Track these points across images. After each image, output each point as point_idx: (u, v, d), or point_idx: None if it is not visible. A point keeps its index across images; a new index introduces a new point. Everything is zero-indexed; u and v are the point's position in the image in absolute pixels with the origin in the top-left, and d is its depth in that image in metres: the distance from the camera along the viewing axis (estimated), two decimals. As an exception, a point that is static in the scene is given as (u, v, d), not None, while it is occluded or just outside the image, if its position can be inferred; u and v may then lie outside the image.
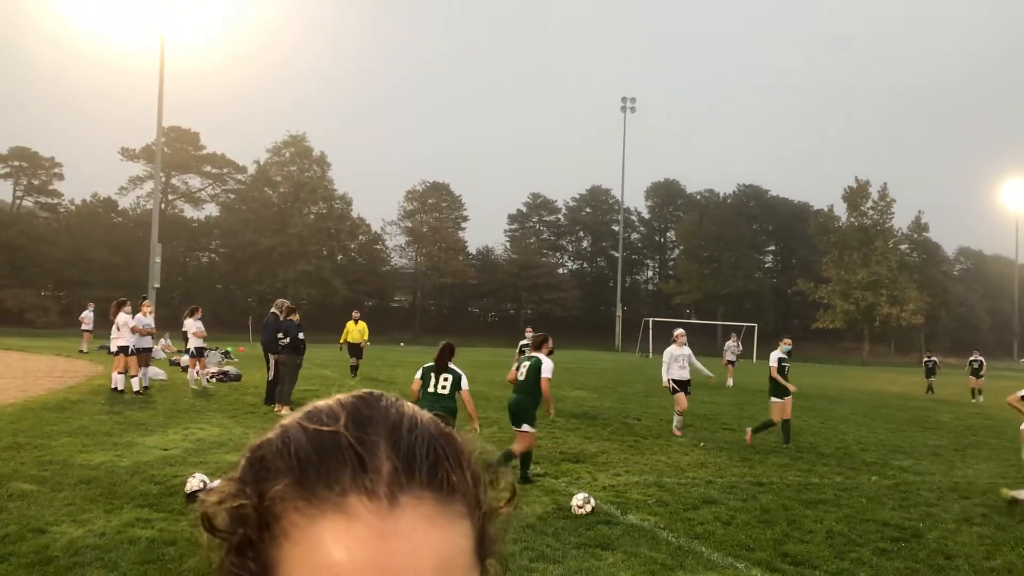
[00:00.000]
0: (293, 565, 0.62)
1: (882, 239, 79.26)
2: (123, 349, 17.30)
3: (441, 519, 0.64)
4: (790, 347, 15.09)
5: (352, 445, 0.64)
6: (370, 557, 0.60)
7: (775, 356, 14.55)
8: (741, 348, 30.14)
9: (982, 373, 28.88)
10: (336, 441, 0.65)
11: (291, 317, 16.23)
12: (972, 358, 29.90)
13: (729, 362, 30.01)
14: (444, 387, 9.49)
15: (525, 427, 9.95)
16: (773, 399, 14.22)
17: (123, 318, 17.52)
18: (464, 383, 9.57)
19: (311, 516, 0.62)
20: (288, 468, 0.65)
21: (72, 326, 62.92)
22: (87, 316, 34.52)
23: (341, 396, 0.71)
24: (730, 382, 28.39)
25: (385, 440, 0.66)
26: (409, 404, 0.72)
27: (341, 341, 24.85)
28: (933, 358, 33.63)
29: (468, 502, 0.67)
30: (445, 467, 0.66)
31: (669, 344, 15.69)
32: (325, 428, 0.66)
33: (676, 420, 15.04)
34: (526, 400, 10.03)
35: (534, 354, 10.27)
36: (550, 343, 10.45)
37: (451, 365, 9.72)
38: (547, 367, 9.99)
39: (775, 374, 14.31)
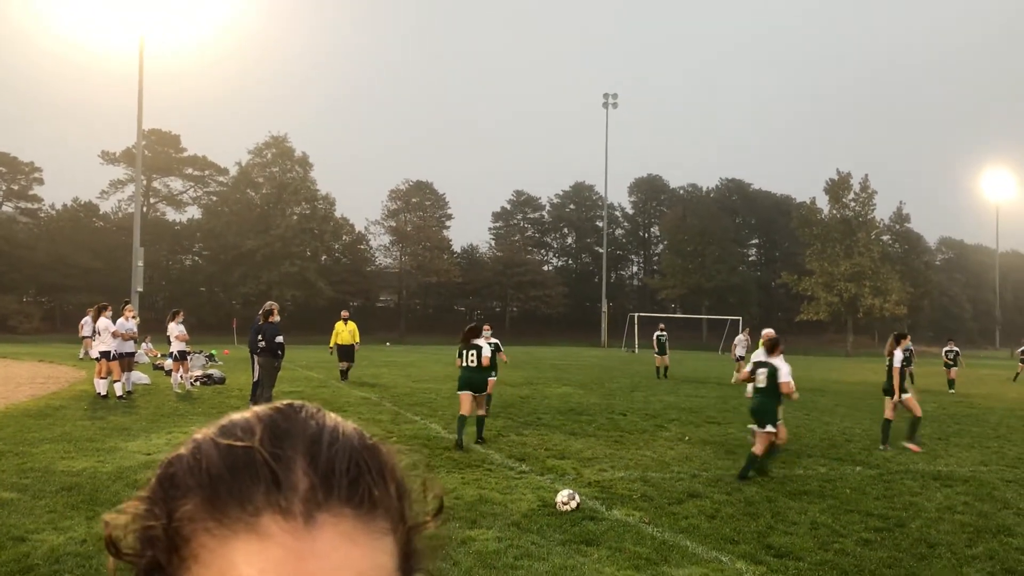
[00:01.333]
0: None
1: (864, 231, 79.65)
2: (105, 354, 17.20)
3: (361, 536, 0.60)
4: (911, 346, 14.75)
5: (267, 461, 0.61)
6: None
7: (899, 356, 13.68)
8: (750, 342, 28.92)
9: (957, 364, 27.95)
10: (250, 457, 0.61)
11: (271, 319, 16.13)
12: (947, 348, 28.69)
13: (740, 358, 27.95)
14: (472, 360, 12.42)
15: (768, 428, 10.46)
16: (889, 398, 13.68)
17: (104, 323, 17.42)
18: (486, 351, 12.53)
19: (222, 537, 0.59)
20: (199, 486, 0.61)
21: (55, 332, 62.55)
22: (87, 322, 34.29)
23: (259, 408, 0.68)
24: (736, 377, 27.78)
25: (303, 455, 0.62)
26: (332, 415, 0.68)
27: (331, 344, 23.39)
28: (910, 348, 33.38)
29: (391, 517, 0.64)
30: (367, 481, 0.63)
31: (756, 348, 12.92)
32: (239, 443, 0.63)
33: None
34: (768, 403, 10.64)
35: (770, 360, 10.77)
36: (781, 346, 11.05)
37: (475, 341, 12.59)
38: (784, 372, 10.57)
39: (898, 375, 13.56)
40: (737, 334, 29.75)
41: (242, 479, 0.60)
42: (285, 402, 0.69)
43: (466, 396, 12.20)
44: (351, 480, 0.62)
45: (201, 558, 0.59)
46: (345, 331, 22.95)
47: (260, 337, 15.87)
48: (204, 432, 0.66)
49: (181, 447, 0.66)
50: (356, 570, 0.59)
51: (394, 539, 0.63)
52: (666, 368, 28.68)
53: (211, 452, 0.63)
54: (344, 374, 23.22)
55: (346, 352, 23.01)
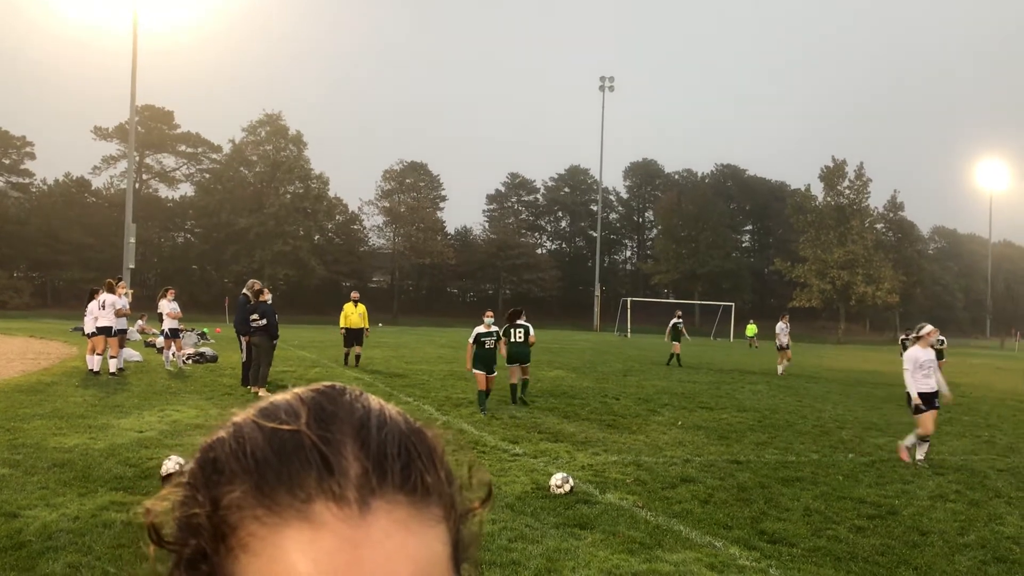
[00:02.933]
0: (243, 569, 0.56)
1: (858, 218, 79.83)
2: (104, 330, 17.11)
3: (416, 524, 0.57)
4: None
5: (316, 445, 0.57)
6: (339, 569, 0.54)
7: (923, 355, 11.51)
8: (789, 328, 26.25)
9: (943, 356, 23.12)
10: (297, 441, 0.58)
11: (263, 298, 16.05)
12: (904, 337, 24.18)
13: (785, 346, 25.72)
14: (519, 336, 14.71)
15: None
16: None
17: (110, 298, 17.35)
18: (531, 330, 14.98)
19: (272, 526, 0.55)
20: (244, 471, 0.57)
21: (46, 307, 62.38)
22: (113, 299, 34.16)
23: (299, 390, 0.63)
24: (781, 370, 25.33)
25: (352, 439, 0.58)
26: (375, 398, 0.65)
27: (341, 327, 21.51)
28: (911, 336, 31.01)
29: (444, 504, 0.61)
30: (418, 467, 0.60)
31: (915, 344, 11.75)
32: (284, 427, 0.59)
33: (910, 441, 11.17)
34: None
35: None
36: None
37: (520, 321, 14.84)
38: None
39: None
40: (769, 321, 28.40)
41: (291, 464, 0.56)
42: (326, 384, 0.65)
43: (489, 378, 13.86)
44: (403, 465, 0.59)
45: (251, 547, 0.55)
46: (355, 314, 21.23)
47: (259, 316, 15.74)
48: (244, 415, 0.62)
49: (220, 430, 0.62)
50: (412, 559, 0.56)
51: (447, 527, 0.60)
52: (679, 356, 27.50)
53: (255, 436, 0.59)
54: (351, 359, 21.49)
55: (355, 336, 21.33)
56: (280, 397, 0.64)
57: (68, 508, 7.02)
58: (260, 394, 14.83)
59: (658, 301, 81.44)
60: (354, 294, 22.07)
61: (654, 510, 7.91)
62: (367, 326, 21.77)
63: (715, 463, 10.40)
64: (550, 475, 8.64)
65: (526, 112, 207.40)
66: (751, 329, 48.78)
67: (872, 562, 6.67)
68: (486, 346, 13.74)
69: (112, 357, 17.19)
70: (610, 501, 8.14)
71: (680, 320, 28.29)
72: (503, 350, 14.26)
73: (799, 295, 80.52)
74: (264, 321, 15.66)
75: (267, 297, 16.07)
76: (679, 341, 27.71)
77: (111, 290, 17.66)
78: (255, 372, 15.50)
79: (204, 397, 14.45)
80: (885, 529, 7.63)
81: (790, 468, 10.27)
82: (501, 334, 14.36)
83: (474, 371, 13.73)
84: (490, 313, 14.39)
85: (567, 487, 8.26)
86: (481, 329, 13.92)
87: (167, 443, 10.01)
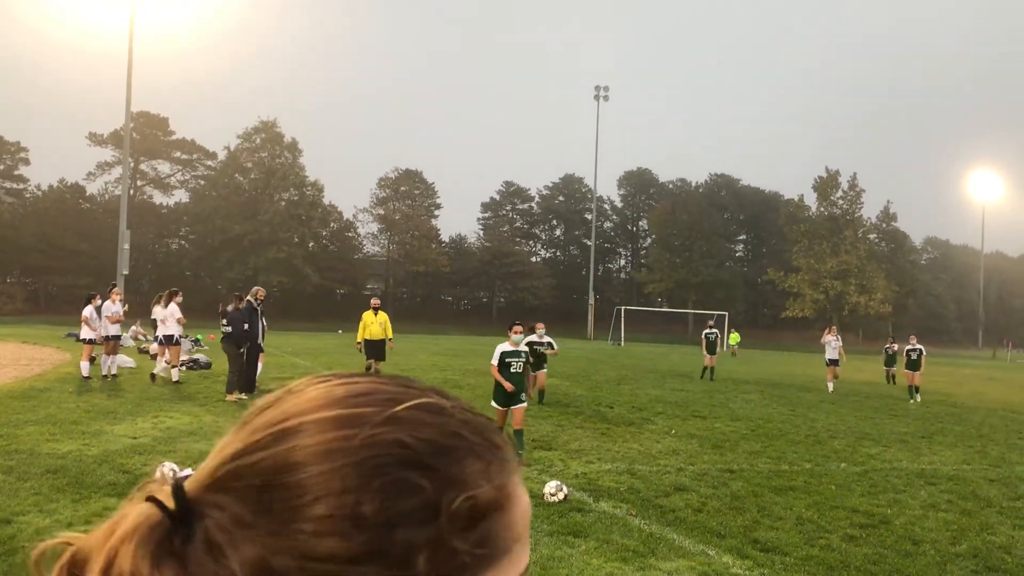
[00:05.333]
0: (515, 519, 0.61)
1: (851, 229, 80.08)
2: (168, 339, 17.63)
3: None
4: None
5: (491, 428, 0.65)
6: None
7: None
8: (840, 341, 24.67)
9: (921, 366, 22.34)
10: (481, 423, 0.64)
11: (241, 306, 16.16)
12: (909, 347, 22.94)
13: (834, 361, 24.09)
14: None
15: None
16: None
17: (172, 308, 17.69)
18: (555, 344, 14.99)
19: (517, 481, 0.63)
20: (486, 449, 0.62)
21: (39, 313, 62.15)
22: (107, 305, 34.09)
23: (418, 385, 0.65)
24: (831, 386, 23.67)
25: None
26: None
27: (359, 339, 19.01)
28: (895, 346, 29.12)
29: None
30: None
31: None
32: (472, 414, 0.64)
33: None
34: None
35: None
36: None
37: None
38: None
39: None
40: (761, 330, 27.89)
41: (494, 438, 0.64)
42: (429, 389, 0.66)
43: (514, 410, 11.13)
44: None
45: (514, 497, 0.62)
46: (375, 323, 18.64)
47: (226, 323, 15.94)
48: (415, 406, 0.61)
49: (428, 421, 0.61)
50: None
51: None
52: (712, 369, 26.12)
53: (465, 419, 0.63)
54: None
55: (376, 349, 18.58)
56: (431, 399, 0.63)
57: (62, 514, 7.02)
58: (228, 399, 14.89)
59: (652, 310, 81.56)
60: (374, 301, 19.34)
61: (648, 518, 7.93)
62: (390, 336, 18.90)
63: (708, 472, 10.42)
64: (544, 483, 8.65)
65: (521, 120, 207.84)
66: (734, 338, 49.09)
67: (865, 571, 6.70)
68: (511, 369, 10.66)
69: (173, 366, 17.56)
70: (604, 509, 8.16)
71: (713, 331, 26.75)
72: (539, 380, 11.70)
73: (792, 305, 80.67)
74: (230, 328, 15.75)
75: (242, 305, 16.15)
76: (714, 353, 26.25)
77: (171, 299, 17.85)
78: (228, 379, 15.59)
79: (197, 404, 14.44)
80: (877, 538, 7.66)
81: (783, 477, 10.30)
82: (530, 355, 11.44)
83: (492, 404, 10.76)
84: (518, 328, 11.17)
85: (561, 495, 8.28)
86: (507, 348, 10.78)
87: (161, 449, 10.01)
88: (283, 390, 0.64)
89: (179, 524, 0.55)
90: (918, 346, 22.63)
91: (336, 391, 0.61)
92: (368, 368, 17.77)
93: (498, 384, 10.57)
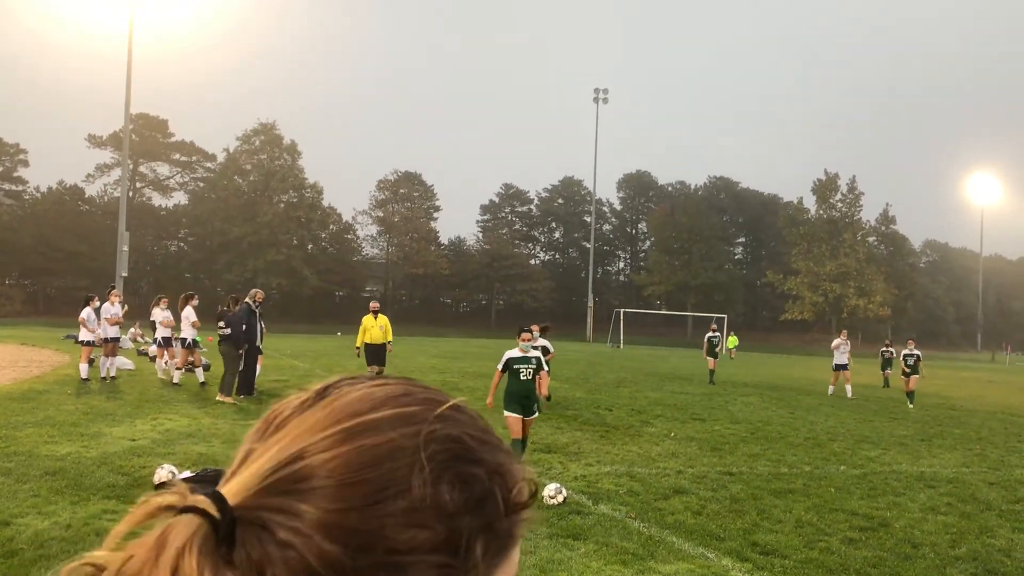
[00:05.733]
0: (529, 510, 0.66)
1: (850, 231, 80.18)
2: (182, 341, 18.19)
3: None
4: None
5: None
6: None
7: None
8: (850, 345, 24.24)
9: (917, 371, 21.95)
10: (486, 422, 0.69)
11: (236, 308, 16.19)
12: (905, 352, 22.54)
13: (843, 366, 23.67)
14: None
15: None
16: None
17: (188, 312, 17.92)
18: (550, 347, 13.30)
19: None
20: (503, 443, 0.67)
21: (37, 315, 62.08)
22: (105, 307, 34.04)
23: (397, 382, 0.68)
24: (849, 391, 22.90)
25: None
26: None
27: (358, 344, 18.31)
28: (891, 349, 28.89)
29: None
30: None
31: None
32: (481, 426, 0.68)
33: None
34: None
35: None
36: None
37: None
38: None
39: None
40: (760, 333, 27.31)
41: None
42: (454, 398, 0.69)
43: (526, 421, 10.35)
44: None
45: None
46: (375, 327, 17.97)
47: (224, 324, 15.98)
48: (451, 407, 0.66)
49: (465, 423, 0.66)
50: None
51: None
52: (712, 372, 25.97)
53: (481, 427, 0.67)
54: None
55: (376, 354, 17.93)
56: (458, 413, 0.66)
57: (60, 516, 7.00)
58: (219, 399, 14.90)
59: (651, 312, 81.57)
60: (373, 304, 18.62)
61: (647, 521, 7.93)
62: (390, 340, 18.30)
63: (708, 474, 10.41)
64: (543, 486, 8.65)
65: (520, 123, 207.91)
66: (732, 341, 49.15)
67: (864, 574, 6.69)
68: (521, 376, 9.83)
69: (186, 368, 17.87)
70: (603, 512, 8.15)
71: (715, 334, 26.54)
72: (542, 387, 10.20)
73: (791, 307, 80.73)
74: (229, 330, 15.77)
75: (243, 306, 16.17)
76: (715, 356, 26.07)
77: (187, 303, 18.07)
78: (223, 379, 15.60)
79: (197, 406, 14.42)
80: (877, 541, 7.65)
81: (782, 480, 10.30)
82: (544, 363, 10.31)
83: (506, 413, 9.76)
84: (527, 336, 10.20)
85: (560, 498, 8.27)
86: (515, 353, 9.97)
87: (159, 451, 9.99)
88: (311, 393, 0.65)
89: (225, 534, 0.55)
90: (915, 352, 22.34)
91: (376, 392, 0.64)
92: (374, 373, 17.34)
93: (507, 390, 9.85)
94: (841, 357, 23.69)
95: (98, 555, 0.58)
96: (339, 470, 0.57)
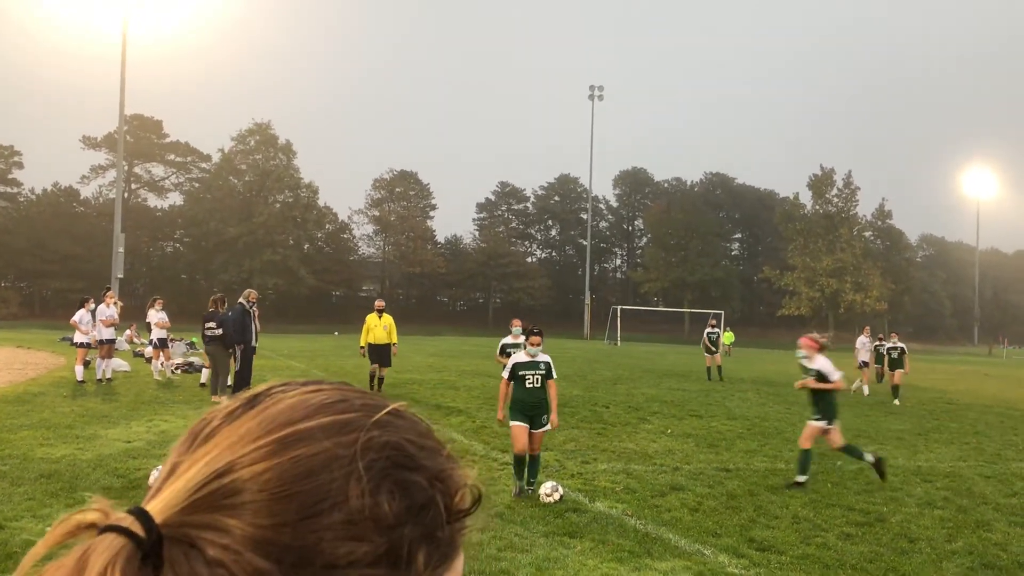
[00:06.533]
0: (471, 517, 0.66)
1: (847, 226, 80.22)
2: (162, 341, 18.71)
3: None
4: None
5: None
6: None
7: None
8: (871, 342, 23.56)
9: (904, 364, 21.19)
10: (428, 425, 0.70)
11: (222, 308, 16.16)
12: (890, 345, 21.91)
13: (866, 363, 22.99)
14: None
15: None
16: None
17: (104, 311, 17.59)
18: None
19: None
20: (445, 447, 0.67)
21: (33, 317, 61.99)
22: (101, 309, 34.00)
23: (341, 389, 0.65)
24: (866, 390, 22.13)
25: None
26: None
27: (362, 343, 17.43)
28: (885, 344, 25.77)
29: None
30: None
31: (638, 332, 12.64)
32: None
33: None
34: None
35: None
36: None
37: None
38: None
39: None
40: (757, 328, 26.35)
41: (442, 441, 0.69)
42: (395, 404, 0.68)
43: (534, 434, 9.46)
44: None
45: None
46: (379, 327, 17.04)
47: (215, 325, 15.97)
48: (389, 412, 0.64)
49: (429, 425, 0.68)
50: None
51: None
52: (719, 368, 25.57)
53: (422, 421, 0.68)
54: (379, 383, 17.07)
55: (380, 354, 17.05)
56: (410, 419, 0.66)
57: (55, 519, 6.95)
58: (214, 400, 14.89)
59: (648, 309, 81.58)
60: (378, 303, 17.67)
61: (643, 518, 7.92)
62: (395, 341, 17.43)
63: (704, 471, 10.41)
64: (540, 483, 8.64)
65: (516, 121, 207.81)
66: (728, 337, 49.19)
67: (861, 569, 6.69)
68: (527, 384, 8.90)
69: (182, 369, 18.27)
70: (600, 509, 8.14)
71: (715, 330, 26.18)
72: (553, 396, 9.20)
73: (788, 303, 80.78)
74: (220, 331, 15.75)
75: (237, 306, 16.14)
76: (716, 353, 25.76)
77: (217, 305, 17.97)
78: (214, 380, 15.59)
79: (192, 407, 14.39)
80: (873, 536, 7.65)
81: (779, 476, 10.29)
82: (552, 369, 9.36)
83: (511, 423, 8.83)
84: (536, 339, 9.23)
85: (557, 495, 8.26)
86: (521, 358, 9.06)
87: (155, 453, 9.97)
88: (241, 401, 0.62)
89: (150, 553, 0.52)
90: (900, 344, 21.69)
91: (311, 399, 0.61)
92: (372, 374, 17.05)
93: (513, 398, 8.87)
94: (866, 354, 23.09)
95: None
96: (271, 483, 0.54)
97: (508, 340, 10.59)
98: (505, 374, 9.04)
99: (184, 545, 0.53)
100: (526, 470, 8.68)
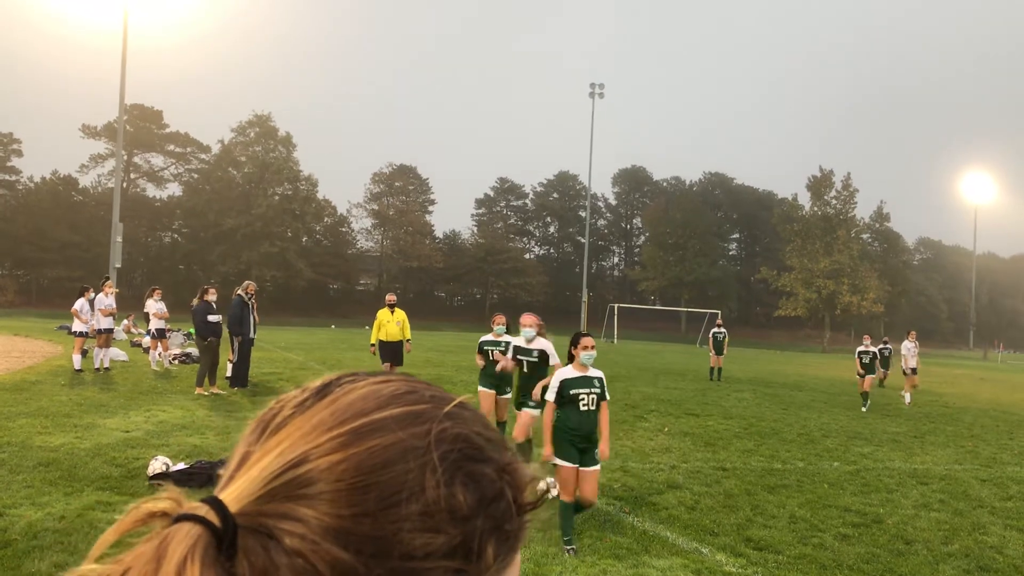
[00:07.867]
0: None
1: (844, 228, 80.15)
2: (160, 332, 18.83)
3: None
4: None
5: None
6: None
7: None
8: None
9: (875, 369, 20.22)
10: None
11: (205, 298, 16.10)
12: (882, 346, 21.31)
13: (913, 370, 22.08)
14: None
15: None
16: None
17: (103, 300, 17.64)
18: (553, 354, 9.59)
19: None
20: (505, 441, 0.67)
21: (31, 305, 61.90)
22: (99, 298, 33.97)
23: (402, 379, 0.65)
24: (908, 398, 20.96)
25: None
26: None
27: (372, 340, 16.31)
28: (888, 347, 26.33)
29: None
30: None
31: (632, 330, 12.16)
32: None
33: None
34: None
35: None
36: None
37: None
38: None
39: None
40: (753, 329, 26.00)
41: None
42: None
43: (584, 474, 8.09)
44: None
45: None
46: (391, 322, 16.09)
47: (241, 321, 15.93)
48: (458, 404, 0.63)
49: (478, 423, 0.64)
50: None
51: None
52: (719, 369, 25.48)
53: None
54: None
55: (392, 352, 16.18)
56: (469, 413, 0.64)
57: (54, 507, 6.99)
58: (198, 392, 14.83)
59: (645, 308, 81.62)
60: (390, 297, 16.60)
61: (641, 516, 7.94)
62: (408, 338, 16.64)
63: (701, 470, 10.43)
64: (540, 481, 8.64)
65: (516, 117, 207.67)
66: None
67: (857, 570, 6.71)
68: (581, 406, 7.00)
69: (179, 360, 18.25)
70: (597, 507, 8.16)
71: (721, 331, 26.02)
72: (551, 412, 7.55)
73: (785, 304, 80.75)
74: (219, 316, 15.88)
75: (208, 297, 16.12)
76: (722, 354, 25.57)
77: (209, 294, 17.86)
78: (202, 372, 15.54)
79: (190, 397, 14.40)
80: (870, 537, 7.68)
81: (776, 476, 10.32)
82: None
83: (556, 460, 6.99)
84: (588, 341, 7.38)
85: (554, 493, 8.26)
86: (570, 373, 7.12)
87: (153, 443, 9.98)
88: (310, 391, 0.62)
89: (225, 543, 0.52)
90: (889, 347, 21.25)
91: (382, 389, 0.61)
92: None
93: (558, 426, 7.05)
94: (910, 361, 22.13)
95: (89, 569, 0.55)
96: (348, 473, 0.55)
97: (488, 338, 9.97)
98: (551, 396, 7.03)
99: (260, 535, 0.53)
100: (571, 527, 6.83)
